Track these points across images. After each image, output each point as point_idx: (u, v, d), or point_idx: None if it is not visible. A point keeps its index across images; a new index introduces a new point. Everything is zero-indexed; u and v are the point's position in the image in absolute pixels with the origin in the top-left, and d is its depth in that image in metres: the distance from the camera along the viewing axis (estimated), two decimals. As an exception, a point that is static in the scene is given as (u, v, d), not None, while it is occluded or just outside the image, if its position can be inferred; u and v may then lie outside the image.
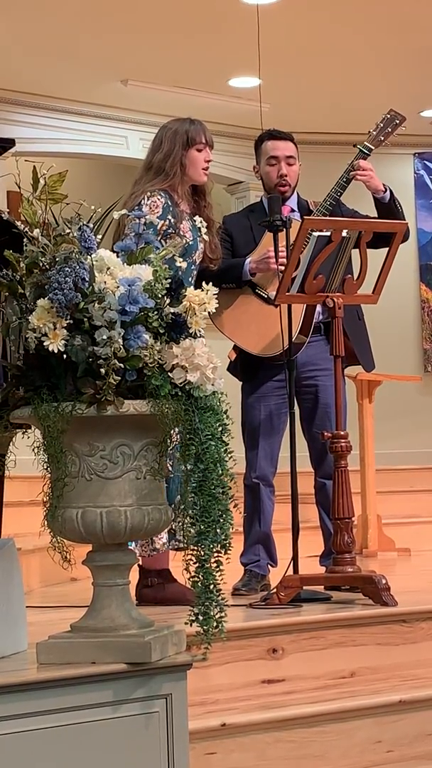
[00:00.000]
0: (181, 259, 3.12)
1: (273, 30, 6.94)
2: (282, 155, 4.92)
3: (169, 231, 4.39)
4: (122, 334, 2.78)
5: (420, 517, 7.64)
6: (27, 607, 3.20)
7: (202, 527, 2.83)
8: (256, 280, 4.84)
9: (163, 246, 3.10)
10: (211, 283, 2.92)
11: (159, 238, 4.26)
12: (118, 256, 2.92)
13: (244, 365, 4.89)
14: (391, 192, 4.84)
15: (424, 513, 7.70)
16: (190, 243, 4.47)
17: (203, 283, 2.93)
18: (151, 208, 4.37)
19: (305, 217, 4.62)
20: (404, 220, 4.74)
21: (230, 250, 4.90)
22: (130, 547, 2.99)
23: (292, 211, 4.88)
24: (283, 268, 4.55)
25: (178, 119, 4.64)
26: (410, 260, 9.40)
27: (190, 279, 4.44)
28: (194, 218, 4.52)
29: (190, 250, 4.48)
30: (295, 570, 4.40)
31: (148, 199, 4.41)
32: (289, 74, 7.95)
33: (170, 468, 2.99)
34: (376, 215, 4.85)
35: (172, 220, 4.43)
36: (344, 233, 4.41)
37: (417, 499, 7.95)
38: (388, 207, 4.83)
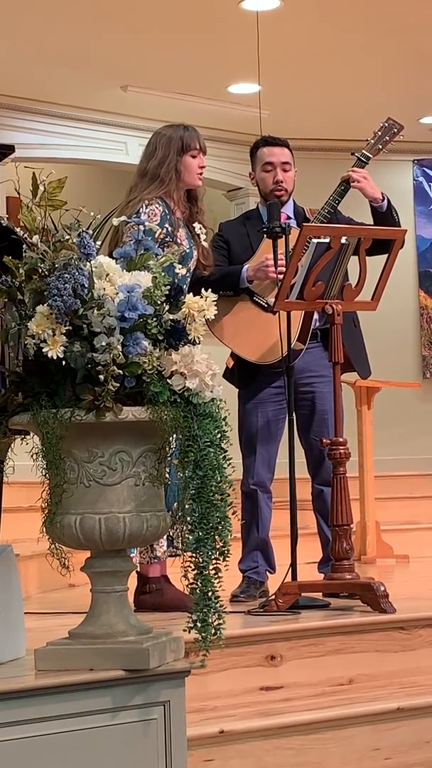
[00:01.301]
0: (180, 266, 3.12)
1: (272, 37, 6.95)
2: (277, 161, 4.92)
3: (167, 239, 4.39)
4: (121, 340, 2.78)
5: (419, 523, 7.64)
6: (25, 613, 3.20)
7: (200, 534, 2.83)
8: (253, 288, 4.84)
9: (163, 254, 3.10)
10: (210, 290, 2.93)
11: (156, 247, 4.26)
12: (117, 263, 2.92)
13: (242, 372, 4.88)
14: (388, 200, 4.84)
15: (422, 519, 7.70)
16: (187, 251, 4.48)
17: (202, 290, 2.93)
18: (149, 216, 4.37)
19: (304, 224, 4.62)
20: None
21: (227, 258, 4.90)
22: (131, 555, 2.99)
23: (288, 218, 4.88)
24: (282, 276, 4.55)
25: (171, 125, 4.65)
26: (409, 267, 9.41)
27: (184, 287, 4.44)
28: (193, 225, 4.53)
29: (187, 258, 4.48)
30: (294, 577, 4.40)
31: (146, 207, 4.41)
32: (289, 81, 7.96)
33: (167, 475, 2.99)
34: (372, 223, 4.84)
35: (170, 228, 4.43)
36: (343, 240, 4.41)
37: (416, 506, 7.95)
38: (384, 215, 4.82)
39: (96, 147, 8.69)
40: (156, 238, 4.31)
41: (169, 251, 3.07)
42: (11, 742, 2.68)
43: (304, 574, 4.57)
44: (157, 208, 4.43)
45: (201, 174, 4.59)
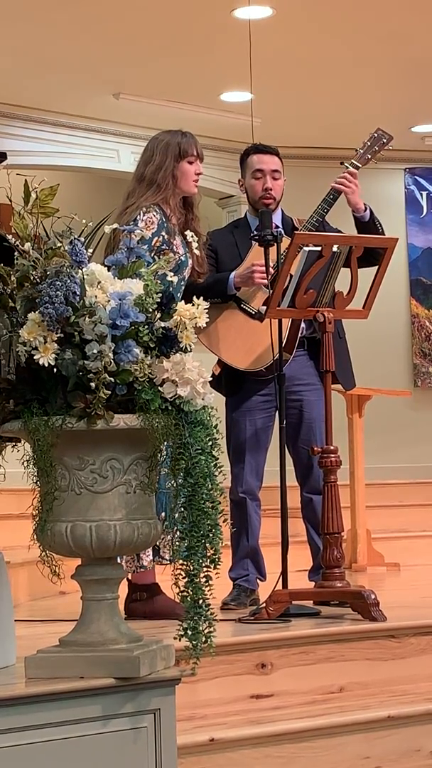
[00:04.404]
0: (171, 274, 3.12)
1: (265, 45, 6.96)
2: (267, 169, 4.92)
3: (163, 247, 4.39)
4: (113, 348, 2.78)
5: (409, 531, 7.63)
6: (15, 620, 3.19)
7: (191, 542, 2.82)
8: (241, 295, 4.84)
9: (155, 262, 3.10)
10: (201, 298, 2.93)
11: (152, 254, 4.26)
12: (109, 270, 2.92)
13: (229, 380, 4.87)
14: (371, 210, 4.84)
15: (413, 528, 7.70)
16: (183, 259, 4.47)
17: (194, 298, 2.94)
18: (146, 224, 4.37)
19: (296, 232, 4.62)
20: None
21: (215, 266, 4.90)
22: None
23: (276, 227, 4.88)
24: (267, 282, 4.56)
25: (168, 131, 4.65)
26: (400, 275, 9.42)
27: (179, 295, 4.44)
28: (185, 233, 4.53)
29: (183, 266, 4.48)
30: (284, 585, 4.40)
31: (144, 215, 4.40)
32: (281, 89, 7.97)
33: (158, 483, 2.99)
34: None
35: (166, 236, 4.43)
36: (335, 248, 4.42)
37: (406, 514, 7.95)
38: (367, 225, 4.82)
39: (88, 154, 8.69)
40: (152, 246, 4.32)
41: (165, 258, 3.07)
42: (1, 751, 2.68)
43: (295, 582, 4.57)
44: (154, 215, 4.42)
45: (197, 181, 4.59)
